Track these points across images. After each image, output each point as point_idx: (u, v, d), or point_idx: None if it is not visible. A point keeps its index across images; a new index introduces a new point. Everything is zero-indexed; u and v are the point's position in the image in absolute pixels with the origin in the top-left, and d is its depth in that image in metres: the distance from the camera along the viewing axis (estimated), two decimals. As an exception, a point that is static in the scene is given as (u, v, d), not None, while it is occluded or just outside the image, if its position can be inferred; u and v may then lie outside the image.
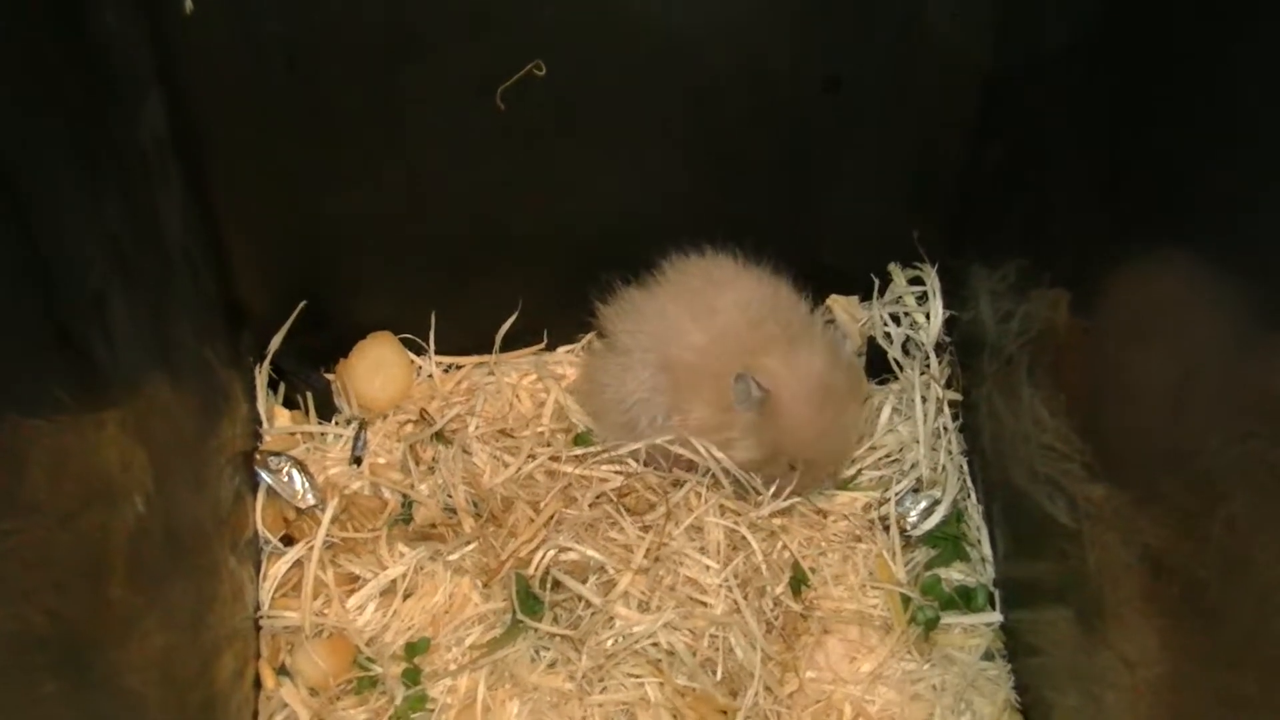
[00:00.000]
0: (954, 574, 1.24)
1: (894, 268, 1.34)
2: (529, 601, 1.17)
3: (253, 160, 1.15)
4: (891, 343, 1.33)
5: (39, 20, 0.83)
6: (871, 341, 1.34)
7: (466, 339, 1.35)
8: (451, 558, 1.22)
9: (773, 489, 1.20)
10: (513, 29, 1.08)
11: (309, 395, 1.32)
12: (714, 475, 1.21)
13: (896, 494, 1.26)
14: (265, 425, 1.30)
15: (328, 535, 1.22)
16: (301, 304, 1.28)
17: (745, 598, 1.16)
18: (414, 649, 1.18)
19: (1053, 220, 1.09)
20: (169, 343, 1.04)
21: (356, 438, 1.31)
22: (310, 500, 1.25)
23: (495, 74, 1.11)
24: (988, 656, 1.20)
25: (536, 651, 1.18)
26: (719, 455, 1.19)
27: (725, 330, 1.19)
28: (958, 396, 1.30)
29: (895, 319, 1.34)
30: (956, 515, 1.25)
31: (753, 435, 1.17)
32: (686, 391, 1.19)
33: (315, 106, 1.12)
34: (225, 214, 1.18)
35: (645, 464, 1.23)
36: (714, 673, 1.13)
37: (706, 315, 1.20)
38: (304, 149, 1.15)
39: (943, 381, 1.30)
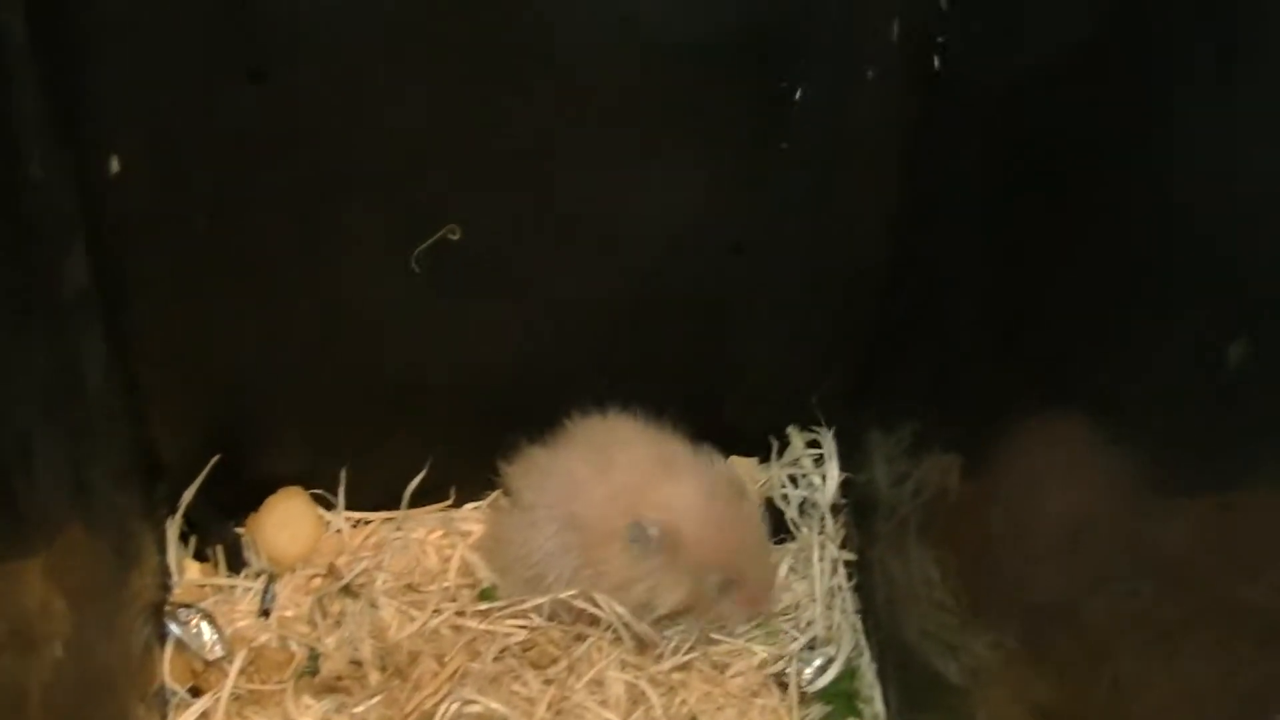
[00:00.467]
0: (847, 731, 1.25)
1: (792, 430, 1.38)
2: (434, 756, 1.18)
3: (171, 313, 1.16)
4: (789, 503, 1.37)
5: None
6: (770, 502, 1.37)
7: (375, 495, 1.36)
8: (357, 710, 1.22)
9: (673, 643, 1.23)
10: (428, 193, 1.12)
11: (219, 548, 1.33)
12: (615, 631, 1.23)
13: (793, 651, 1.28)
14: (175, 577, 1.31)
15: (235, 687, 1.22)
16: (215, 458, 1.29)
17: (645, 753, 1.17)
18: (318, 805, 1.18)
19: (948, 385, 1.12)
20: (87, 489, 1.05)
21: (265, 591, 1.31)
22: (218, 652, 1.24)
23: (410, 236, 1.14)
24: (881, 815, 1.21)
25: (440, 808, 1.18)
26: (620, 610, 1.21)
27: (623, 485, 1.22)
28: (852, 556, 1.33)
29: (794, 480, 1.38)
30: (850, 672, 1.28)
31: (670, 574, 1.20)
32: (599, 550, 1.21)
33: (235, 260, 1.14)
34: (143, 366, 1.19)
35: (549, 618, 1.25)
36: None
37: (606, 471, 1.23)
38: (222, 302, 1.17)
39: (838, 542, 1.34)
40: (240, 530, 1.35)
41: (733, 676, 1.27)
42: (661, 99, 1.09)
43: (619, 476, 1.22)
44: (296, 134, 1.06)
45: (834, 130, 1.13)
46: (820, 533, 1.35)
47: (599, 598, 1.22)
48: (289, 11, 0.98)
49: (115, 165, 1.04)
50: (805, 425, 1.39)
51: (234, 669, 1.22)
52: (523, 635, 1.24)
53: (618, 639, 1.24)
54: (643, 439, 1.26)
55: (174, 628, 1.25)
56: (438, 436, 1.33)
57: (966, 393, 1.09)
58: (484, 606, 1.27)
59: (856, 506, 1.34)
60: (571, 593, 1.22)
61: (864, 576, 1.32)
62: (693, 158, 1.14)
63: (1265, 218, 0.69)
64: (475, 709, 1.18)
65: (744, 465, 1.38)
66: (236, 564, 1.34)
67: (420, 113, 1.07)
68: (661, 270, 1.21)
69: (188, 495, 1.30)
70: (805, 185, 1.17)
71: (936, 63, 1.07)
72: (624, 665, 1.22)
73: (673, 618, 1.23)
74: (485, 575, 1.31)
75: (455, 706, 1.19)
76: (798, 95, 1.10)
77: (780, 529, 1.37)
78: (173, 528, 1.31)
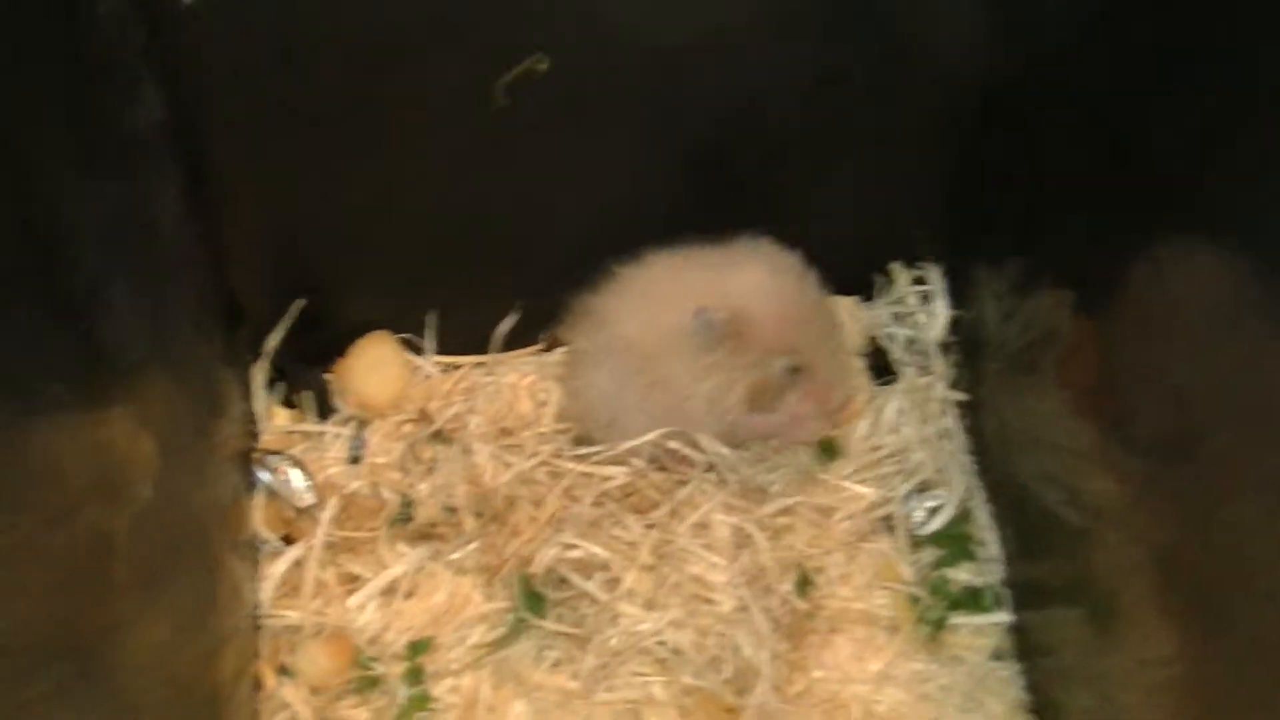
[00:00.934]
0: (961, 574, 1.22)
1: (896, 267, 1.33)
2: (532, 600, 1.16)
3: (250, 153, 1.13)
4: (894, 342, 1.32)
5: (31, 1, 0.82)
6: (873, 342, 1.33)
7: (464, 339, 1.33)
8: (453, 557, 1.20)
9: (776, 488, 1.21)
10: (513, 24, 1.07)
11: (308, 394, 1.31)
12: (719, 473, 1.20)
13: (901, 493, 1.25)
14: (263, 424, 1.29)
15: (327, 534, 1.20)
16: (300, 302, 1.27)
17: (752, 596, 1.14)
18: (416, 648, 1.16)
19: (1054, 217, 1.08)
20: (168, 334, 1.02)
21: (355, 437, 1.29)
22: (309, 500, 1.23)
23: (496, 69, 1.09)
24: (997, 656, 1.19)
25: (540, 651, 1.16)
26: (723, 449, 1.19)
27: (670, 293, 1.18)
28: (963, 396, 1.29)
29: (898, 319, 1.33)
30: (963, 515, 1.24)
31: (738, 359, 1.15)
32: (660, 364, 1.18)
33: (313, 99, 1.10)
34: (223, 208, 1.16)
35: (649, 461, 1.22)
36: (720, 671, 1.12)
37: (650, 292, 1.19)
38: (302, 143, 1.13)
39: (947, 381, 1.29)
40: (328, 376, 1.32)
41: (840, 520, 1.24)
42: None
43: (666, 292, 1.18)
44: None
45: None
46: (929, 372, 1.31)
47: (701, 438, 1.18)
48: None
49: (188, -3, 1.00)
50: (909, 261, 1.33)
51: (325, 516, 1.21)
52: (622, 479, 1.21)
53: (721, 481, 1.20)
54: (685, 254, 1.21)
55: (263, 475, 1.24)
56: (527, 278, 1.30)
57: (1077, 220, 1.04)
58: (582, 451, 1.23)
59: (965, 344, 1.30)
60: (666, 430, 1.19)
61: (975, 417, 1.28)
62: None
63: None
64: (575, 554, 1.16)
65: (845, 304, 1.33)
66: (325, 410, 1.32)
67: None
68: (752, 102, 1.16)
69: (272, 341, 1.28)
70: (898, 12, 1.11)
71: None
72: (728, 509, 1.19)
73: (743, 423, 1.19)
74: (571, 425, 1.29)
75: (554, 551, 1.16)
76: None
77: (884, 369, 1.32)
78: (259, 374, 1.29)
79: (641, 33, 1.09)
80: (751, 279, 1.16)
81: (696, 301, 1.14)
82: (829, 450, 1.26)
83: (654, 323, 1.17)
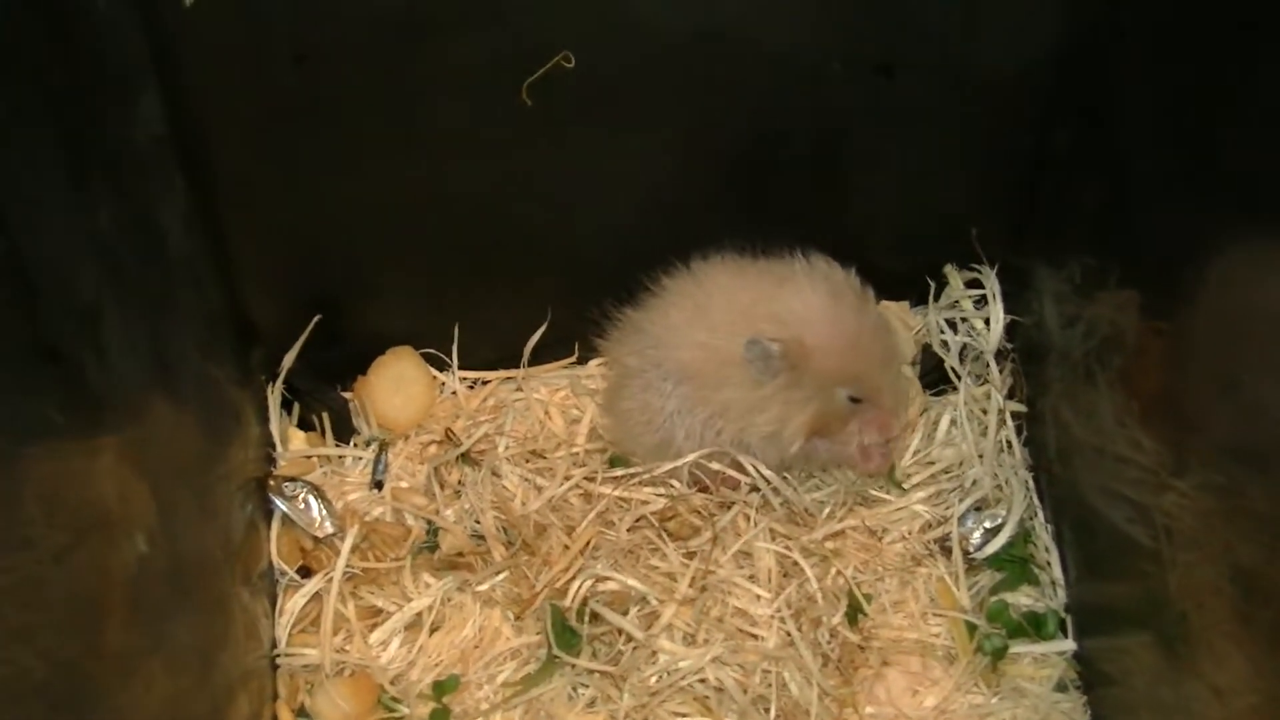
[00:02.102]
0: (1022, 599, 1.17)
1: (950, 269, 1.28)
2: (565, 635, 1.10)
3: (260, 162, 1.10)
4: (949, 350, 1.27)
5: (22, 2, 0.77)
6: (926, 349, 1.28)
7: (491, 353, 1.29)
8: (481, 588, 1.15)
9: (826, 510, 1.16)
10: (536, 20, 1.03)
11: (325, 415, 1.26)
12: (764, 495, 1.14)
13: (958, 514, 1.18)
14: (279, 448, 1.24)
15: (348, 565, 1.16)
16: (316, 318, 1.22)
17: (799, 629, 1.09)
18: (443, 687, 1.11)
19: (1128, 215, 1.03)
20: (171, 360, 0.98)
21: (377, 460, 1.24)
22: (328, 528, 1.18)
23: (519, 67, 1.05)
24: (1061, 688, 1.13)
25: (574, 689, 1.11)
26: (767, 473, 1.13)
27: (722, 315, 1.13)
28: (1021, 407, 1.23)
29: (952, 325, 1.28)
30: (1023, 536, 1.19)
31: (795, 391, 1.11)
32: (713, 392, 1.13)
33: (326, 104, 1.06)
34: (231, 221, 1.12)
35: (691, 485, 1.17)
36: (767, 711, 1.07)
37: (703, 309, 1.15)
38: (314, 150, 1.10)
39: (1004, 391, 1.24)
40: (348, 395, 1.28)
41: (891, 543, 1.19)
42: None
43: (721, 310, 1.14)
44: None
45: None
46: (984, 382, 1.25)
47: (743, 459, 1.13)
48: None
49: (189, -2, 0.97)
50: (964, 264, 1.28)
51: (346, 546, 1.16)
52: (661, 503, 1.15)
53: (765, 504, 1.15)
54: (740, 268, 1.17)
55: (279, 503, 1.19)
56: (558, 287, 1.25)
57: (1151, 219, 0.99)
58: (618, 473, 1.18)
59: (1024, 352, 1.24)
60: (708, 451, 1.14)
61: (1035, 429, 1.23)
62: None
63: None
64: (610, 586, 1.11)
65: (895, 310, 1.28)
66: (345, 432, 1.27)
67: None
68: (799, 96, 1.12)
69: (288, 360, 1.24)
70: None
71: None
72: (774, 535, 1.14)
73: (805, 451, 1.14)
74: (613, 446, 1.24)
75: (589, 583, 1.11)
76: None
77: (939, 378, 1.27)
78: (274, 396, 1.24)
79: (674, 24, 1.05)
80: (810, 303, 1.11)
81: (752, 325, 1.10)
82: (895, 481, 1.21)
83: (709, 346, 1.13)
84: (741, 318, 1.11)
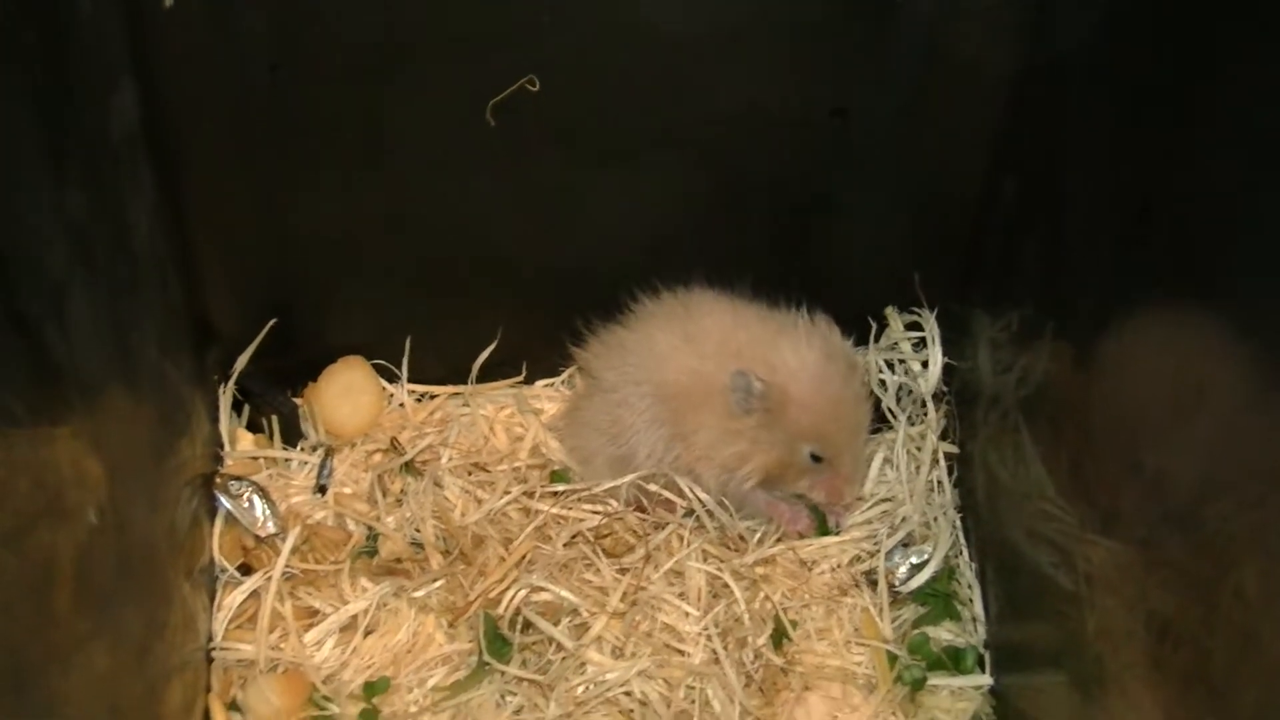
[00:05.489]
0: (943, 634, 1.18)
1: (891, 311, 1.30)
2: (497, 643, 1.12)
3: (229, 166, 1.12)
4: (886, 390, 1.29)
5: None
6: (865, 388, 1.28)
7: (441, 368, 1.31)
8: (417, 595, 1.16)
9: (758, 536, 1.18)
10: (506, 43, 1.06)
11: (275, 419, 1.27)
12: (698, 518, 1.16)
13: (886, 548, 1.21)
14: (227, 448, 1.25)
15: (287, 566, 1.17)
16: (271, 322, 1.24)
17: (725, 648, 1.10)
18: (373, 689, 1.12)
19: (1064, 270, 1.05)
20: (131, 350, 0.99)
21: (322, 465, 1.26)
22: (271, 528, 1.19)
23: (486, 88, 1.08)
24: (976, 720, 1.15)
25: (503, 696, 1.12)
26: (704, 496, 1.16)
27: (715, 346, 1.16)
28: (953, 449, 1.25)
29: (891, 365, 1.30)
30: (948, 572, 1.21)
31: (764, 433, 1.14)
32: (688, 415, 1.16)
33: (297, 113, 1.09)
34: (197, 220, 1.13)
35: (628, 504, 1.19)
36: (690, 726, 1.08)
37: (694, 338, 1.17)
38: (283, 157, 1.12)
39: (938, 432, 1.26)
40: (298, 401, 1.29)
41: (820, 573, 1.20)
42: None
43: (711, 342, 1.17)
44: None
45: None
46: (919, 423, 1.27)
47: (682, 482, 1.16)
48: None
49: (169, -1, 0.98)
50: (905, 307, 1.30)
51: (286, 547, 1.17)
52: (596, 520, 1.17)
53: (699, 527, 1.17)
54: (732, 306, 1.20)
55: (224, 501, 1.20)
56: (510, 307, 1.28)
57: (1085, 277, 1.01)
58: (558, 489, 1.20)
59: (959, 396, 1.27)
60: (648, 472, 1.17)
61: (965, 471, 1.25)
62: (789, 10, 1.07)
63: None
64: (544, 596, 1.13)
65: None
66: (292, 436, 1.28)
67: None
68: (754, 134, 1.15)
69: (241, 362, 1.25)
70: (918, 44, 1.09)
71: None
72: (705, 556, 1.16)
73: (747, 493, 1.18)
74: (557, 457, 1.26)
75: (523, 593, 1.13)
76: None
77: (876, 418, 1.28)
78: (225, 396, 1.26)
79: (637, 62, 1.09)
80: (804, 359, 1.15)
81: (744, 364, 1.13)
82: (824, 532, 1.23)
83: (697, 373, 1.16)
84: (734, 354, 1.14)
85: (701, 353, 1.16)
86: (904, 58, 1.10)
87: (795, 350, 1.14)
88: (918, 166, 1.18)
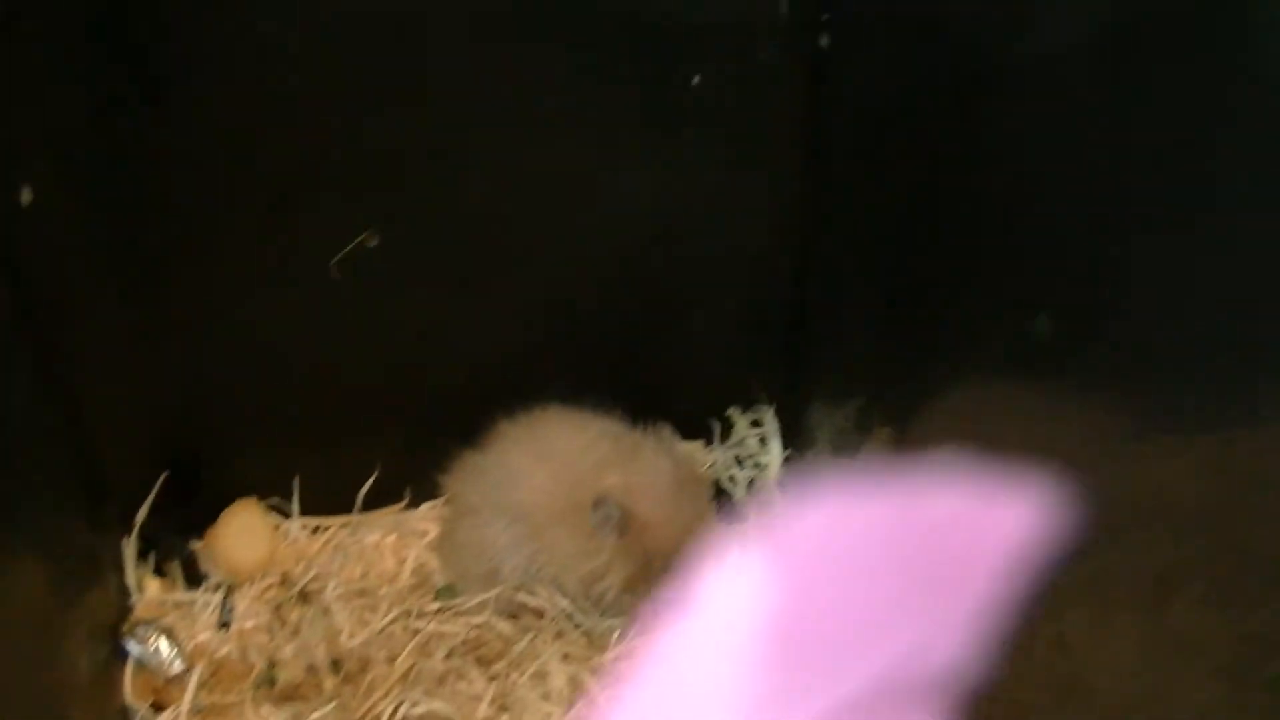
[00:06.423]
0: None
1: (734, 411, 1.38)
2: (386, 759, 1.19)
3: (107, 333, 1.18)
4: (736, 484, 1.37)
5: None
6: (716, 485, 1.38)
7: (330, 500, 1.38)
8: (312, 717, 1.22)
9: (615, 635, 1.25)
10: (345, 198, 1.14)
11: (178, 563, 1.34)
12: (558, 624, 1.24)
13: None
14: (136, 595, 1.32)
15: (196, 701, 1.23)
16: (163, 475, 1.30)
17: (589, 743, 1.18)
18: (278, 808, 1.19)
19: (883, 356, 1.13)
20: (17, 515, 1.05)
21: (224, 603, 1.33)
22: (178, 667, 1.26)
23: (331, 242, 1.16)
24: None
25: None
26: (563, 602, 1.23)
27: (565, 466, 1.23)
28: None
29: (739, 461, 1.38)
30: None
31: (622, 554, 1.20)
32: (547, 533, 1.23)
33: (166, 278, 1.17)
34: (82, 385, 1.19)
35: (500, 613, 1.26)
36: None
37: (546, 457, 1.24)
38: (159, 320, 1.19)
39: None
40: (197, 544, 1.36)
41: None
42: (570, 90, 1.12)
43: (563, 461, 1.23)
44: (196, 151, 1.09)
45: (734, 111, 1.14)
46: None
47: (541, 590, 1.24)
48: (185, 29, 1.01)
49: (27, 196, 1.05)
50: (747, 406, 1.39)
51: (192, 683, 1.24)
52: (470, 633, 1.25)
53: (561, 633, 1.25)
54: (581, 424, 1.26)
55: (132, 646, 1.26)
56: (386, 438, 1.35)
57: (900, 362, 1.09)
58: (434, 606, 1.28)
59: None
60: (508, 585, 1.25)
61: None
62: (597, 139, 1.16)
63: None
64: (420, 710, 1.20)
65: (690, 449, 1.38)
66: (195, 578, 1.35)
67: (326, 121, 1.09)
68: (584, 258, 1.23)
69: (141, 514, 1.31)
70: (715, 167, 1.18)
71: (825, 40, 1.07)
72: (566, 657, 1.23)
73: (616, 598, 1.25)
74: (443, 575, 1.33)
75: (404, 709, 1.20)
76: (695, 80, 1.11)
77: (729, 512, 1.36)
78: (129, 547, 1.32)
79: (471, 207, 1.17)
80: (657, 482, 1.21)
81: (596, 485, 1.19)
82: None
83: (550, 491, 1.22)
84: (587, 474, 1.21)
85: (554, 473, 1.23)
86: (704, 181, 1.19)
87: (649, 472, 1.21)
88: (735, 276, 1.27)
